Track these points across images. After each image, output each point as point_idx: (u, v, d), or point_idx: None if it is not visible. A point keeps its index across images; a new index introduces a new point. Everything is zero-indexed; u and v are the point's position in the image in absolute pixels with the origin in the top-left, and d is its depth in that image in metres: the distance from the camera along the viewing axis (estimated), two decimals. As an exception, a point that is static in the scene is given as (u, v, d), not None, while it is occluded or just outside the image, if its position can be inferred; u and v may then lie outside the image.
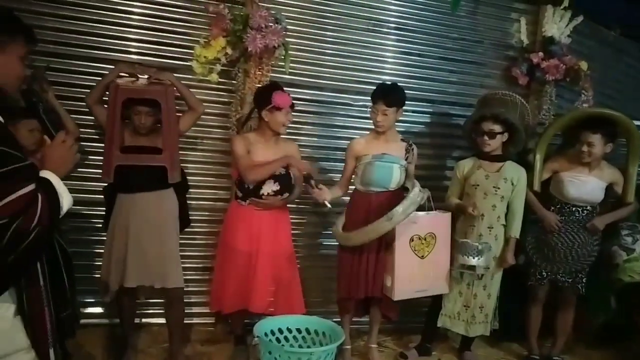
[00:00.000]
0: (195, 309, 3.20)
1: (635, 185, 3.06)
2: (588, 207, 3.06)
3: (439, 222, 2.88)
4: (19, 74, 1.51)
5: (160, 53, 3.03)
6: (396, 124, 2.90)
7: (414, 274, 2.82)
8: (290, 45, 3.13)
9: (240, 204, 2.80)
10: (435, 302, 3.10)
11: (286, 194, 2.79)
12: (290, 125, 3.20)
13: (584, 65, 3.47)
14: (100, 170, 2.60)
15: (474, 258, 2.83)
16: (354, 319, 3.09)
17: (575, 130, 3.06)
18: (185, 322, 2.90)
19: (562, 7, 3.47)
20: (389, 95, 2.77)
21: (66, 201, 1.40)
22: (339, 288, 2.93)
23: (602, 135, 2.93)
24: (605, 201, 3.11)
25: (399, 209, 2.63)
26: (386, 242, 2.81)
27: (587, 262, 3.09)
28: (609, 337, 3.46)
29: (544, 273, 3.11)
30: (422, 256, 2.83)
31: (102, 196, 2.78)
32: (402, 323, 3.27)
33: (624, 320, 3.31)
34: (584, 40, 3.70)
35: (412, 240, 2.79)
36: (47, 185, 1.36)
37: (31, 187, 1.29)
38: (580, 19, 3.53)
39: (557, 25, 3.53)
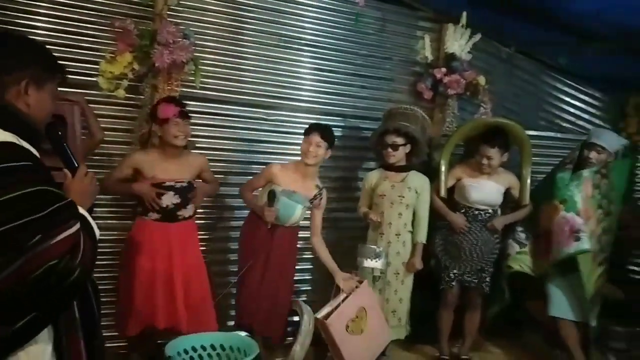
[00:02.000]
0: (105, 333, 3.08)
1: (529, 189, 3.32)
2: (489, 210, 3.29)
3: (361, 295, 2.90)
4: (50, 110, 1.49)
5: (66, 69, 2.92)
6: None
7: (362, 349, 2.86)
8: (204, 61, 3.14)
9: (143, 219, 2.76)
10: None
11: (190, 206, 2.78)
12: (206, 139, 3.25)
13: (482, 79, 3.72)
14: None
15: (372, 260, 2.96)
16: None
17: (475, 141, 3.29)
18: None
19: (461, 25, 3.71)
20: (325, 130, 2.85)
21: (97, 234, 1.40)
22: (239, 306, 2.93)
23: (498, 148, 3.19)
24: (504, 205, 3.36)
25: (297, 347, 2.74)
26: (285, 260, 2.89)
27: (490, 260, 3.31)
28: (506, 328, 3.73)
29: (451, 275, 3.29)
30: (362, 331, 2.86)
31: None
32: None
33: (516, 310, 3.57)
34: (482, 56, 3.97)
35: (347, 327, 2.81)
36: (84, 221, 1.34)
37: (77, 225, 1.28)
38: (478, 36, 3.78)
39: (457, 42, 3.76)
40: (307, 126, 2.92)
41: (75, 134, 2.51)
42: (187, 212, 2.79)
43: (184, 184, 2.76)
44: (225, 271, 3.42)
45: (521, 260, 3.38)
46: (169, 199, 2.72)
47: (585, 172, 3.29)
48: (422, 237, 3.15)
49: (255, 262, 2.84)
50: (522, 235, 3.40)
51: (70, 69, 2.90)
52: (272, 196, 2.73)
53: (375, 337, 2.93)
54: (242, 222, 3.38)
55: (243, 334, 2.57)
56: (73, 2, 2.93)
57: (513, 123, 3.32)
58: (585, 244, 3.12)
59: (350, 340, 2.81)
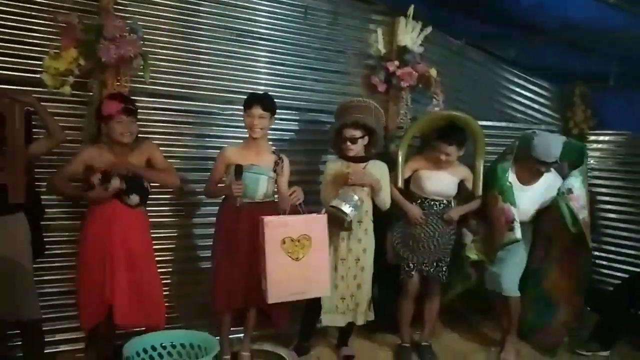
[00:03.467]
0: (60, 336, 3.01)
1: (482, 180, 3.41)
2: (444, 201, 3.35)
3: (313, 223, 2.84)
4: None
5: (9, 65, 2.84)
6: (269, 130, 2.99)
7: (289, 276, 2.74)
8: (155, 56, 3.10)
9: (92, 207, 2.72)
10: (309, 305, 3.19)
11: (135, 196, 2.74)
12: (159, 135, 3.20)
13: (433, 72, 3.78)
14: None
15: (348, 206, 2.92)
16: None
17: (432, 134, 3.35)
18: (49, 351, 2.75)
19: (410, 18, 3.76)
20: (264, 100, 2.87)
21: None
22: (216, 301, 2.91)
23: (456, 145, 3.24)
24: (459, 196, 3.44)
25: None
26: (258, 246, 2.80)
27: (447, 250, 3.37)
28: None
29: (411, 265, 3.33)
30: (297, 258, 2.77)
31: None
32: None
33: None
34: (434, 48, 4.03)
35: (283, 242, 2.74)
36: None
37: None
38: (429, 29, 3.84)
39: (409, 35, 3.81)
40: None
41: (14, 131, 2.43)
42: (130, 201, 2.73)
43: (130, 174, 2.71)
44: (190, 268, 3.40)
45: (476, 248, 3.47)
46: (116, 184, 2.66)
47: (582, 168, 3.44)
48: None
49: (232, 245, 2.83)
50: (474, 223, 3.49)
51: (13, 66, 2.83)
52: (238, 170, 2.73)
53: (308, 276, 2.78)
54: (200, 218, 3.40)
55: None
56: (16, -4, 2.83)
57: (468, 117, 3.38)
58: (517, 234, 3.22)
59: (280, 257, 2.69)
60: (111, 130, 2.66)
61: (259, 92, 3.02)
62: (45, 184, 2.76)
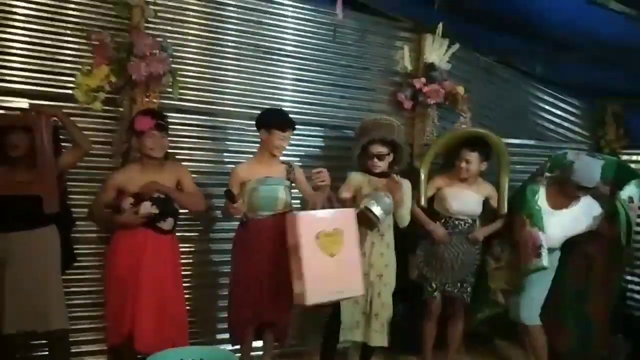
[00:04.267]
0: (85, 348, 3.05)
1: (507, 199, 3.34)
2: (469, 220, 3.30)
3: (343, 217, 2.75)
4: None
5: (42, 82, 2.93)
6: (294, 147, 3.02)
7: (326, 274, 2.61)
8: (183, 72, 3.15)
9: (121, 230, 2.75)
10: (332, 320, 3.16)
11: (170, 219, 2.76)
12: (185, 150, 3.24)
13: (460, 89, 3.75)
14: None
15: (379, 208, 2.86)
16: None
17: (455, 150, 3.31)
18: (74, 363, 2.77)
19: (438, 36, 3.74)
20: (288, 119, 2.91)
21: None
22: (233, 317, 2.92)
23: (478, 153, 3.21)
24: (483, 214, 3.37)
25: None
26: (281, 249, 2.74)
27: (471, 271, 3.31)
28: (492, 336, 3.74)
29: (434, 285, 3.28)
30: (332, 254, 2.66)
31: None
32: (300, 345, 3.31)
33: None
34: (461, 65, 4.00)
35: (318, 237, 2.63)
36: None
37: None
38: (457, 46, 3.82)
39: (436, 52, 3.80)
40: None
41: (44, 143, 2.50)
42: (166, 225, 2.77)
43: (161, 196, 2.74)
44: (208, 283, 3.41)
45: (498, 277, 3.37)
46: (147, 209, 2.69)
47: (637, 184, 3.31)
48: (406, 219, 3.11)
49: (252, 261, 2.83)
50: (498, 249, 3.40)
51: (46, 82, 2.92)
52: (228, 195, 2.70)
53: (342, 274, 2.66)
54: (219, 233, 3.41)
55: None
56: (50, 15, 2.94)
57: (490, 133, 3.34)
58: (544, 260, 3.09)
59: (315, 252, 2.57)
60: (142, 144, 2.71)
61: (279, 108, 3.05)
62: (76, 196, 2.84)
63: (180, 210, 2.92)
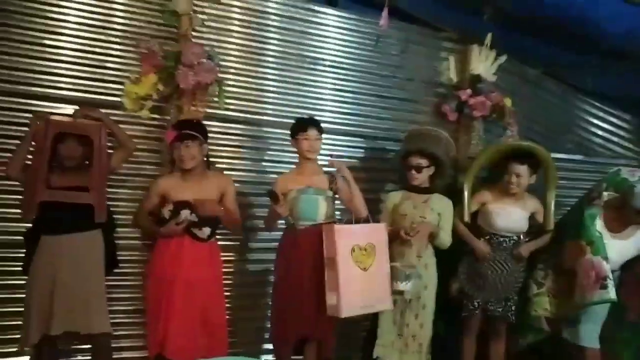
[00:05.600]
0: (126, 354, 3.06)
1: (553, 214, 3.22)
2: (514, 237, 3.19)
3: (375, 232, 2.82)
4: None
5: (91, 89, 2.97)
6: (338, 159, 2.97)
7: (358, 288, 2.68)
8: (229, 82, 3.16)
9: (161, 240, 2.77)
10: (370, 335, 3.10)
11: (207, 228, 2.75)
12: (226, 160, 3.24)
13: (508, 101, 3.66)
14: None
15: (401, 283, 2.85)
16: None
17: (499, 163, 3.21)
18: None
19: (486, 46, 3.67)
20: (317, 122, 2.90)
21: None
22: (275, 330, 2.89)
23: (528, 166, 3.10)
24: (528, 230, 3.24)
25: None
26: (323, 260, 2.73)
27: (515, 289, 3.20)
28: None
29: (475, 303, 3.18)
30: (365, 268, 2.72)
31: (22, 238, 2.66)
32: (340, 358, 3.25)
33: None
34: (508, 77, 3.91)
35: (353, 251, 2.70)
36: None
37: None
38: (504, 57, 3.73)
39: (483, 63, 3.72)
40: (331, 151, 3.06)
41: (102, 154, 2.55)
42: (202, 233, 2.76)
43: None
44: (249, 292, 3.38)
45: (540, 303, 3.23)
46: (186, 216, 2.70)
47: None
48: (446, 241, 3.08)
49: (293, 272, 2.80)
50: (541, 274, 3.26)
51: (95, 90, 2.97)
52: (271, 195, 2.70)
53: (373, 288, 2.73)
54: (259, 243, 3.39)
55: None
56: (99, 24, 2.99)
57: (536, 145, 3.23)
58: (612, 293, 2.90)
59: (350, 265, 2.66)
60: (175, 156, 2.74)
61: (323, 120, 3.04)
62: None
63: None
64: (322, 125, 3.40)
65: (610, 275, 2.92)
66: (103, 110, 2.83)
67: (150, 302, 2.74)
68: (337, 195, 2.93)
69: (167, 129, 2.79)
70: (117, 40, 3.01)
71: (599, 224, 3.07)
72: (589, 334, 3.14)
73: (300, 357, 3.02)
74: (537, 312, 3.23)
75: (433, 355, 3.12)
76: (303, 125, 2.87)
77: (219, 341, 2.78)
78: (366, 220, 2.85)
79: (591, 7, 3.02)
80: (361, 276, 2.70)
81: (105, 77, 2.99)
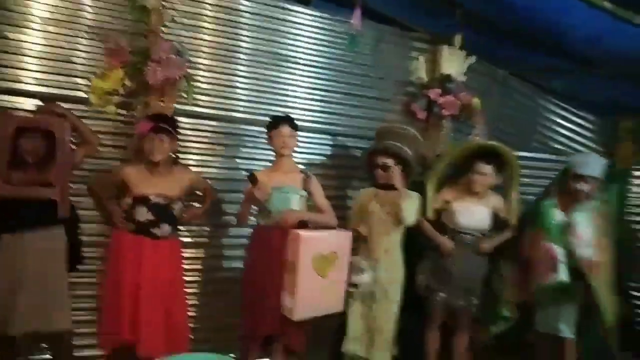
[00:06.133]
0: (87, 352, 3.01)
1: (516, 210, 3.30)
2: (478, 234, 3.24)
3: (341, 239, 2.88)
4: None
5: (57, 84, 2.92)
6: (306, 155, 2.98)
7: (315, 294, 2.75)
8: (197, 77, 3.14)
9: (118, 230, 2.78)
10: (339, 329, 3.13)
11: (165, 225, 2.75)
12: (195, 156, 3.22)
13: (476, 101, 3.71)
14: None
15: (356, 276, 2.95)
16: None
17: (464, 161, 3.27)
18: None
19: (456, 47, 3.72)
20: (291, 119, 2.94)
21: None
22: (243, 326, 2.90)
23: (493, 166, 3.16)
24: (491, 226, 3.30)
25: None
26: (285, 262, 2.77)
27: (478, 281, 3.25)
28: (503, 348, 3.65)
29: (438, 298, 3.24)
30: (323, 275, 2.79)
31: None
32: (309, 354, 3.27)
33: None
34: (477, 77, 3.97)
35: (314, 258, 2.74)
36: None
37: None
38: (473, 58, 3.79)
39: (453, 63, 3.77)
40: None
41: (65, 149, 2.51)
42: (161, 231, 2.76)
43: (160, 202, 2.74)
44: (218, 289, 3.37)
45: (507, 302, 3.34)
46: (142, 215, 2.71)
47: (574, 217, 3.16)
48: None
49: (262, 269, 2.82)
50: (506, 269, 3.36)
51: (61, 84, 2.91)
52: (251, 178, 2.75)
53: (329, 293, 2.81)
54: (229, 239, 3.39)
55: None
56: (66, 18, 2.93)
57: (499, 144, 3.28)
58: (563, 274, 3.03)
59: (310, 272, 2.71)
60: (143, 148, 2.73)
61: (295, 117, 3.03)
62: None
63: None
64: (293, 122, 3.44)
65: (562, 259, 3.05)
66: (69, 105, 2.80)
67: (109, 298, 2.72)
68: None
69: (139, 121, 2.76)
70: (84, 34, 2.96)
71: (556, 212, 3.19)
72: (567, 324, 3.23)
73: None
74: (506, 313, 3.31)
75: (399, 349, 3.18)
76: (276, 122, 2.90)
77: (181, 337, 2.82)
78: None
79: (560, 13, 3.09)
80: (319, 283, 2.76)
81: (72, 72, 2.94)
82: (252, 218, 3.03)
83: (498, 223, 3.33)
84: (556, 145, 4.52)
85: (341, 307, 2.95)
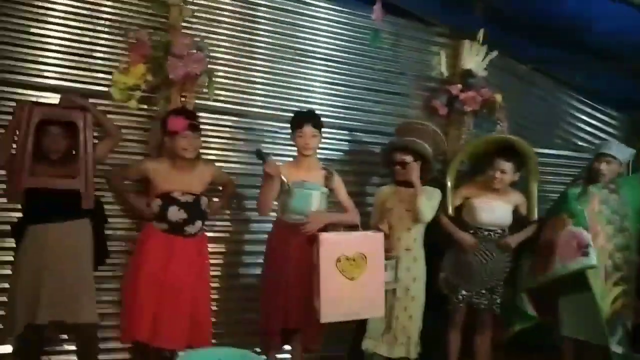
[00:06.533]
0: (112, 345, 3.02)
1: (536, 205, 3.28)
2: (499, 231, 3.21)
3: (369, 241, 2.75)
4: None
5: (78, 78, 2.93)
6: (324, 150, 2.96)
7: (343, 296, 2.66)
8: (218, 73, 3.13)
9: (152, 226, 2.76)
10: (359, 328, 3.11)
11: (198, 222, 2.76)
12: (215, 151, 3.22)
13: (498, 97, 3.67)
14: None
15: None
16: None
17: (483, 158, 3.25)
18: (102, 358, 2.80)
19: (478, 42, 3.67)
20: (315, 118, 2.86)
21: None
22: (262, 321, 2.90)
23: (513, 163, 3.13)
24: (512, 223, 3.28)
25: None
26: (310, 254, 2.73)
27: (501, 280, 3.22)
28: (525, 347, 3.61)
29: (460, 296, 3.21)
30: (352, 278, 2.69)
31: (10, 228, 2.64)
32: (328, 351, 3.26)
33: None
34: (499, 73, 3.92)
35: (339, 260, 2.66)
36: None
37: None
38: (495, 53, 3.74)
39: (474, 59, 3.72)
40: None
41: (87, 140, 2.52)
42: (193, 228, 2.77)
43: (189, 200, 2.75)
44: (238, 284, 3.38)
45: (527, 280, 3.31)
46: (175, 214, 2.71)
47: (592, 188, 3.22)
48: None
49: (282, 263, 2.81)
50: (527, 262, 3.32)
51: (82, 79, 2.92)
52: (259, 153, 2.73)
53: (362, 296, 2.70)
54: (250, 234, 3.38)
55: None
56: (87, 12, 2.94)
57: (518, 139, 3.26)
58: (593, 260, 2.99)
59: (334, 275, 2.62)
60: (175, 145, 2.71)
61: (306, 109, 3.00)
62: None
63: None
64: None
65: (592, 244, 3.01)
66: (90, 100, 2.81)
67: (135, 291, 2.71)
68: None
69: (166, 116, 2.73)
70: (106, 29, 2.96)
71: (582, 200, 3.19)
72: (567, 324, 3.21)
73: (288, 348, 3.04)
74: (532, 284, 3.27)
75: (421, 348, 3.15)
76: (299, 122, 2.84)
77: (204, 331, 2.83)
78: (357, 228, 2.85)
79: (582, 7, 3.04)
80: (347, 285, 2.67)
81: (93, 67, 2.94)
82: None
83: (519, 220, 3.30)
84: (578, 142, 4.45)
85: (381, 312, 2.85)
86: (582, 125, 4.48)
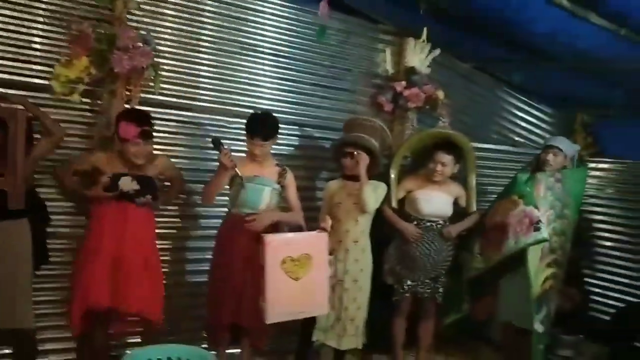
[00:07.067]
0: (50, 346, 2.96)
1: (475, 197, 3.45)
2: (440, 221, 3.35)
3: (314, 242, 2.81)
4: None
5: (15, 70, 2.81)
6: (273, 146, 2.97)
7: (288, 296, 2.71)
8: (164, 67, 3.09)
9: (105, 198, 2.73)
10: (307, 320, 3.17)
11: (149, 196, 2.76)
12: (161, 146, 3.17)
13: (440, 94, 3.80)
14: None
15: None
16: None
17: (425, 152, 3.38)
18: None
19: (421, 40, 3.78)
20: (265, 129, 2.84)
21: None
22: (210, 319, 2.92)
23: (453, 156, 3.27)
24: (452, 214, 3.43)
25: None
26: (258, 265, 2.76)
27: (443, 268, 3.35)
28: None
29: (405, 286, 3.32)
30: (297, 278, 2.74)
31: None
32: (278, 344, 3.31)
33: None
34: (441, 70, 4.06)
35: (284, 262, 2.70)
36: None
37: None
38: (438, 51, 3.87)
39: (418, 56, 3.84)
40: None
41: (17, 138, 2.41)
42: (144, 201, 2.77)
43: (141, 175, 2.74)
44: (188, 281, 3.36)
45: (474, 265, 3.43)
46: (128, 184, 2.69)
47: (539, 174, 3.41)
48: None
49: (229, 258, 2.83)
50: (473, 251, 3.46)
51: (20, 71, 2.81)
52: (215, 142, 2.73)
53: (306, 295, 2.75)
54: (198, 230, 3.38)
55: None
56: (26, 2, 2.81)
57: (456, 133, 3.42)
58: (544, 233, 3.15)
59: (279, 277, 2.66)
60: (125, 150, 2.69)
61: (261, 108, 3.04)
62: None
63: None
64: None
65: (543, 220, 3.17)
66: (27, 93, 2.71)
67: (86, 270, 2.66)
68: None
69: (121, 119, 2.67)
70: (46, 20, 2.85)
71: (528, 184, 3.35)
72: (505, 310, 3.41)
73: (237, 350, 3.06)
74: (477, 269, 3.39)
75: (367, 336, 3.25)
76: (250, 130, 2.85)
77: (156, 300, 2.84)
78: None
79: (519, 9, 3.18)
80: (292, 285, 2.71)
81: (31, 59, 2.84)
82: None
83: (459, 211, 3.45)
84: (515, 138, 4.67)
85: (326, 310, 2.91)
86: (519, 122, 4.69)
